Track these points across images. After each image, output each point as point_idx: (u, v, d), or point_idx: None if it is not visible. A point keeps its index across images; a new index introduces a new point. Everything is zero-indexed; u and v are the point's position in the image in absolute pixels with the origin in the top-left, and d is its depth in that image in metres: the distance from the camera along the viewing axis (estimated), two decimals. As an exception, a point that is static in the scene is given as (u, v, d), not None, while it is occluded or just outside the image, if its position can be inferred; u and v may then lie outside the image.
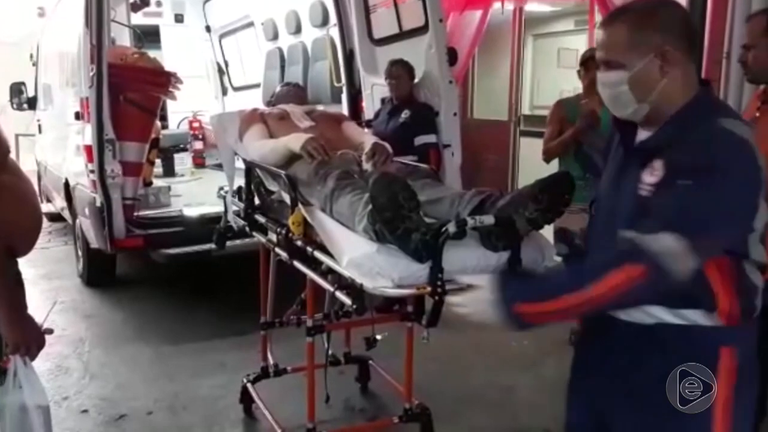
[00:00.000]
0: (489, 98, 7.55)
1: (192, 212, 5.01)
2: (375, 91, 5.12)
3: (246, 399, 3.49)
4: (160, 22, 7.86)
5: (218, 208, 4.35)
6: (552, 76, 10.58)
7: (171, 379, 3.96)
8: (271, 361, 3.52)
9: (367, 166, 2.87)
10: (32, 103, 7.84)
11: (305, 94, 4.14)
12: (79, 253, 5.77)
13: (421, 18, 4.63)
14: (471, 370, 4.07)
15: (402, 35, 4.90)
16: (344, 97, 5.64)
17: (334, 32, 5.66)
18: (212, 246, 4.36)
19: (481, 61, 7.26)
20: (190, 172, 6.91)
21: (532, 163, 7.22)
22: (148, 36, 6.90)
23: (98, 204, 4.40)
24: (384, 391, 3.67)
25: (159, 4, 7.65)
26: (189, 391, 3.80)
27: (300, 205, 2.63)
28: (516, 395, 3.79)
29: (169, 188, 5.37)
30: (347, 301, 2.30)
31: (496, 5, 6.16)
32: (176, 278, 5.71)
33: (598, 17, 5.71)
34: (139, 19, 7.12)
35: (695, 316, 1.52)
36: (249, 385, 3.44)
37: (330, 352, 3.29)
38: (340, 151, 2.98)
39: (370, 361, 3.67)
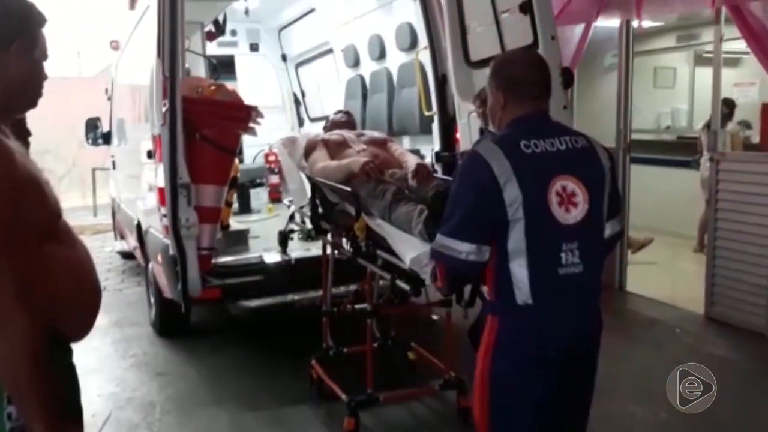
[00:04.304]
0: (590, 122, 6.87)
1: (272, 258, 4.54)
2: (472, 120, 4.54)
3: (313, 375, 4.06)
4: (234, 52, 7.59)
5: (300, 253, 4.68)
6: (648, 97, 9.82)
7: (251, 455, 3.46)
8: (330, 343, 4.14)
9: (412, 182, 3.49)
10: (107, 139, 7.64)
11: (354, 120, 4.77)
12: (152, 299, 5.38)
13: (528, 35, 4.05)
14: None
15: (505, 56, 4.32)
16: (435, 126, 5.09)
17: (424, 56, 5.15)
18: (295, 297, 4.13)
19: (579, 81, 6.59)
20: (267, 209, 6.49)
21: (644, 193, 6.53)
22: (222, 66, 6.60)
23: (171, 253, 3.97)
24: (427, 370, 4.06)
25: (234, 33, 7.39)
26: (271, 472, 3.29)
27: (363, 214, 3.26)
28: None
29: (247, 231, 4.92)
30: (406, 287, 3.03)
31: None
32: (255, 328, 5.22)
33: (727, 29, 5.02)
34: (213, 49, 6.85)
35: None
36: (314, 362, 4.05)
37: (392, 333, 4.23)
38: (390, 170, 3.68)
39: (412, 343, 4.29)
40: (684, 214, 7.44)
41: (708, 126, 6.84)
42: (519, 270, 2.03)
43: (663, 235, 7.02)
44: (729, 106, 7.16)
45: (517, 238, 2.02)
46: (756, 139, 7.44)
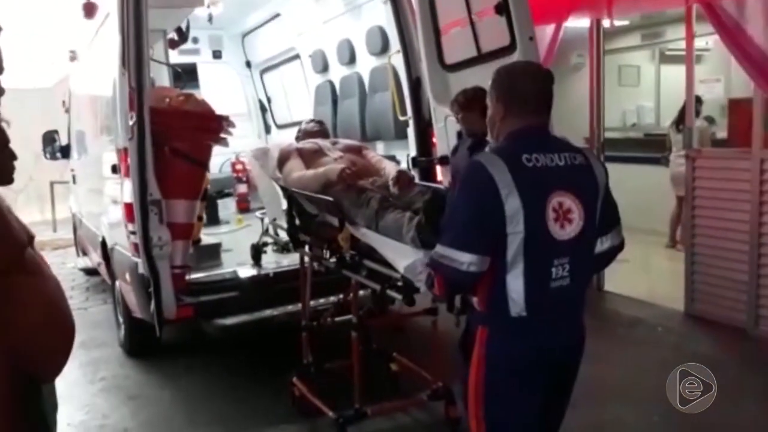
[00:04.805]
0: (559, 122, 6.84)
1: (247, 273, 4.37)
2: (449, 123, 4.43)
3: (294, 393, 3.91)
4: (197, 60, 7.36)
5: (276, 266, 4.54)
6: (613, 95, 9.86)
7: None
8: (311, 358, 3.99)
9: (393, 189, 3.38)
10: (66, 152, 7.33)
11: (327, 129, 4.64)
12: (120, 319, 5.15)
13: (505, 37, 3.96)
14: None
15: (481, 58, 4.22)
16: (410, 131, 4.98)
17: (396, 60, 5.03)
18: (273, 312, 3.98)
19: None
20: (236, 219, 6.31)
21: (613, 191, 6.48)
22: (185, 74, 6.39)
23: (141, 271, 3.76)
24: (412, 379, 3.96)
25: (196, 40, 7.14)
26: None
27: (347, 224, 3.11)
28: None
29: (220, 245, 4.73)
30: (397, 296, 2.90)
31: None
32: (230, 345, 5.01)
33: (699, 26, 5.02)
34: (174, 57, 6.63)
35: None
36: (295, 379, 3.89)
37: (374, 345, 4.09)
38: (371, 178, 3.57)
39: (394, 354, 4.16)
40: (654, 210, 7.47)
41: (677, 123, 6.89)
42: (516, 282, 2.04)
43: (634, 232, 6.99)
44: (697, 102, 7.21)
45: (515, 251, 2.02)
46: (720, 134, 7.53)
